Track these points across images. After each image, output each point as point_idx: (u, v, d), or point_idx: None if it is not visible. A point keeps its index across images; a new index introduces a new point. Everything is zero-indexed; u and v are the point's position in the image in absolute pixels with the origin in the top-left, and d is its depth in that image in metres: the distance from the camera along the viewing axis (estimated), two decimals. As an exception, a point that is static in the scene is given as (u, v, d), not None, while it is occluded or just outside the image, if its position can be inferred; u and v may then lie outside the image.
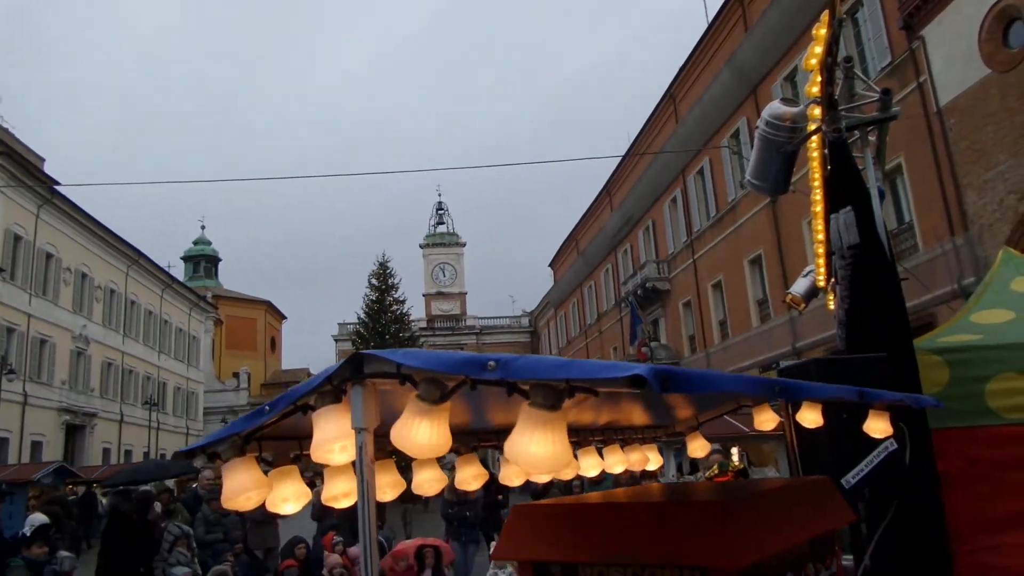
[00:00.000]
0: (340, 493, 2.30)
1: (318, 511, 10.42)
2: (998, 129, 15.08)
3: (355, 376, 1.57)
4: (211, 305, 56.56)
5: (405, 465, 2.87)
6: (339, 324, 59.98)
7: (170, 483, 12.18)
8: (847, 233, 4.01)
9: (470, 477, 2.94)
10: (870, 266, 4.14)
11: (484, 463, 10.29)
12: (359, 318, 44.64)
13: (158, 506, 8.97)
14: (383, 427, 1.68)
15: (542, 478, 10.49)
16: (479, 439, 3.13)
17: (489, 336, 63.21)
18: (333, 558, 8.91)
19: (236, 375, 58.58)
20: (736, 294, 28.33)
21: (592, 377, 1.21)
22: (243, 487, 2.00)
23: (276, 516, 10.07)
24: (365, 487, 1.59)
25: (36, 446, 33.35)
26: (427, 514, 19.92)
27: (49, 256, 34.96)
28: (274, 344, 69.46)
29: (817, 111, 4.42)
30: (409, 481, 2.63)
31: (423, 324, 57.02)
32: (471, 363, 1.35)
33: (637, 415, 3.38)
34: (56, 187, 33.54)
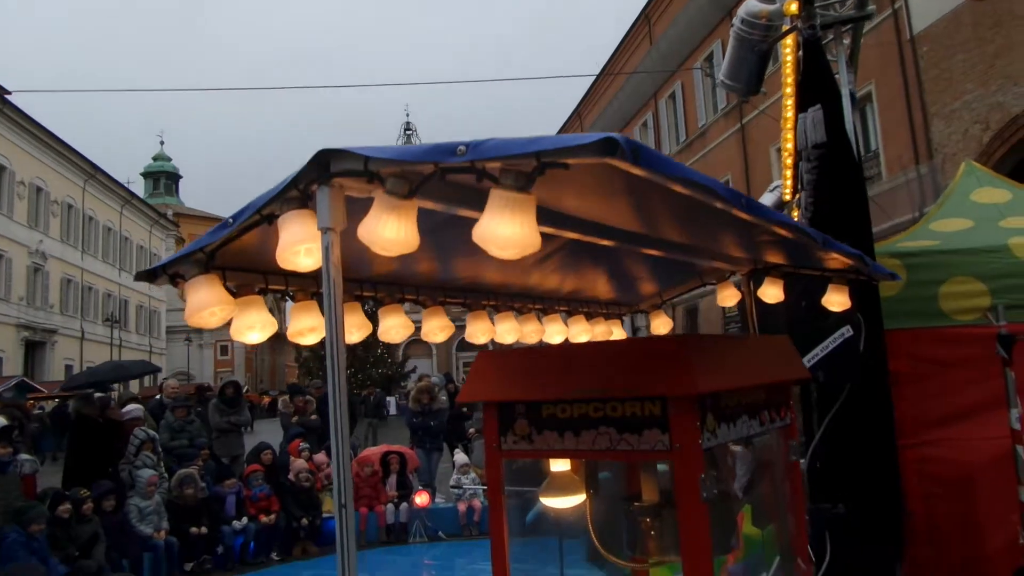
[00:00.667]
0: (306, 328, 2.29)
1: (286, 419, 10.55)
2: (968, 58, 15.11)
3: (321, 177, 1.50)
4: (172, 223, 55.47)
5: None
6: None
7: (134, 390, 12.16)
8: (814, 131, 4.02)
9: (436, 328, 3.00)
10: (836, 167, 4.17)
11: (449, 377, 10.46)
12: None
13: (134, 409, 8.96)
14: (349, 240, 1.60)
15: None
16: (446, 294, 3.18)
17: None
18: (299, 463, 9.05)
19: (199, 294, 57.91)
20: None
21: (562, 147, 1.18)
22: (206, 303, 1.94)
23: (240, 425, 10.16)
24: (332, 289, 1.52)
25: (-5, 361, 32.96)
26: (390, 429, 20.26)
27: (1, 168, 33.80)
28: (238, 264, 68.66)
29: (794, 6, 4.37)
30: (375, 328, 2.65)
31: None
32: (440, 150, 1.32)
33: (601, 286, 3.41)
34: (6, 95, 32.14)
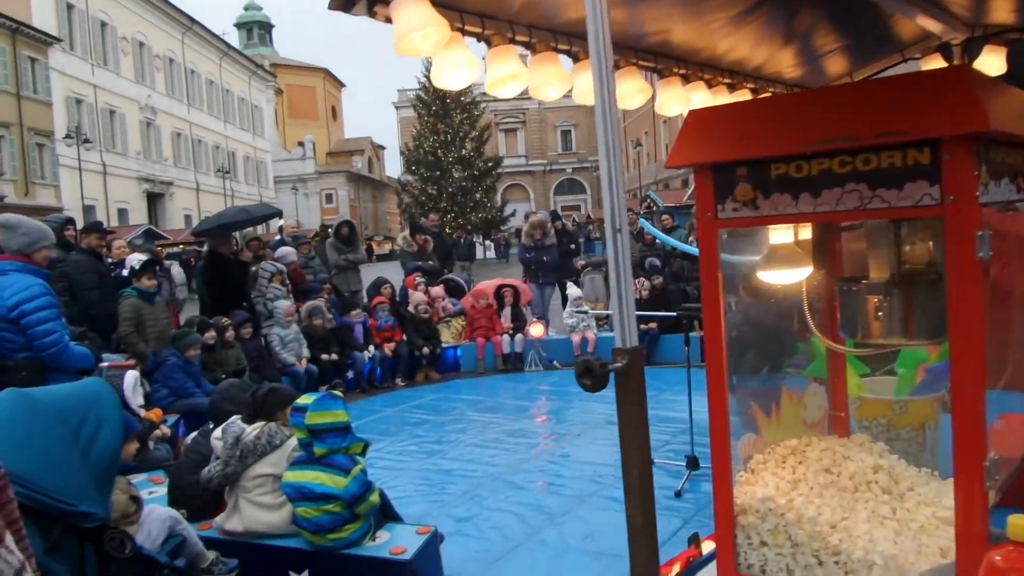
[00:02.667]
0: (507, 75, 2.17)
1: (405, 256, 10.80)
2: None
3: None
4: (269, 74, 55.85)
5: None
6: (399, 91, 58.99)
7: (260, 230, 12.68)
8: None
9: (633, 91, 2.86)
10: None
11: (556, 214, 10.30)
12: (420, 83, 43.64)
13: (288, 252, 9.41)
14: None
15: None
16: (637, 55, 2.99)
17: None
18: (418, 295, 9.33)
19: (301, 144, 59.13)
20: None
21: None
22: (415, 23, 1.83)
23: (357, 263, 10.47)
24: (602, 40, 1.28)
25: (122, 213, 35.09)
26: (483, 270, 20.67)
27: (104, 24, 34.40)
28: (335, 113, 69.19)
29: None
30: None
31: (483, 89, 55.45)
32: None
33: (787, 61, 3.02)
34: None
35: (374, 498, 3.55)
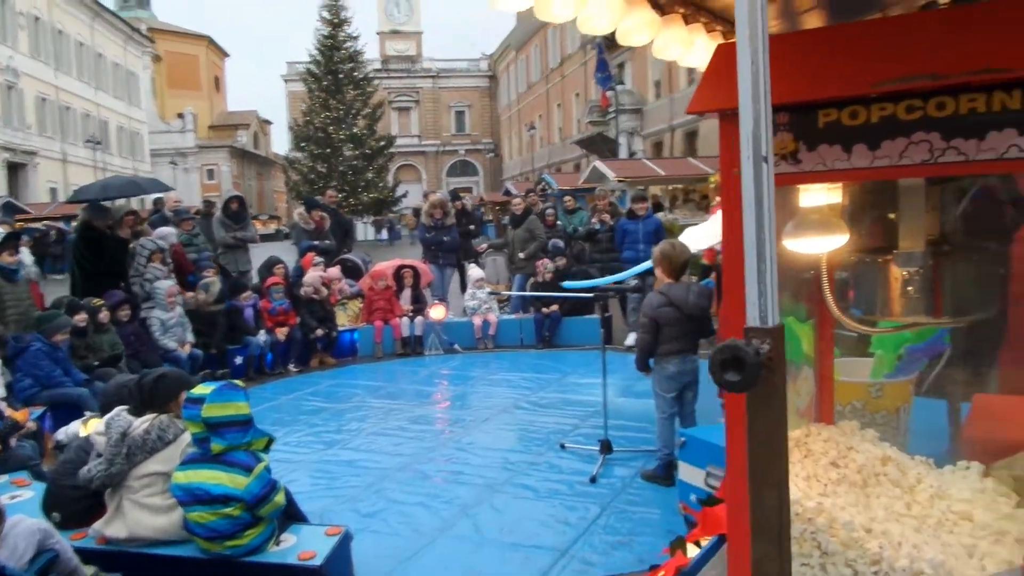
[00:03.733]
0: None
1: (300, 233, 10.25)
2: None
3: None
4: (147, 39, 52.40)
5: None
6: (288, 63, 56.65)
7: (135, 203, 11.74)
8: None
9: (643, 24, 2.49)
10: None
11: (455, 194, 10.01)
12: (311, 56, 42.03)
13: (168, 233, 8.60)
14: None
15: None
16: None
17: (446, 79, 60.72)
18: (314, 275, 8.85)
19: (181, 116, 55.91)
20: (709, 35, 27.08)
21: None
22: None
23: (246, 241, 9.84)
24: None
25: (-23, 183, 32.09)
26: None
27: (-45, -27, 31.20)
28: (218, 84, 65.83)
29: None
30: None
31: (377, 65, 54.13)
32: None
33: None
34: None
35: (279, 499, 3.22)
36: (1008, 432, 1.93)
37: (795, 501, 1.31)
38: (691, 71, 28.96)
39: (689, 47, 2.45)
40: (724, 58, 1.27)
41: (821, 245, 1.42)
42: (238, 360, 8.14)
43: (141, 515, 3.27)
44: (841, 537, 1.26)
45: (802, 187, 1.43)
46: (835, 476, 1.43)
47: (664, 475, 4.64)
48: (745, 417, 0.90)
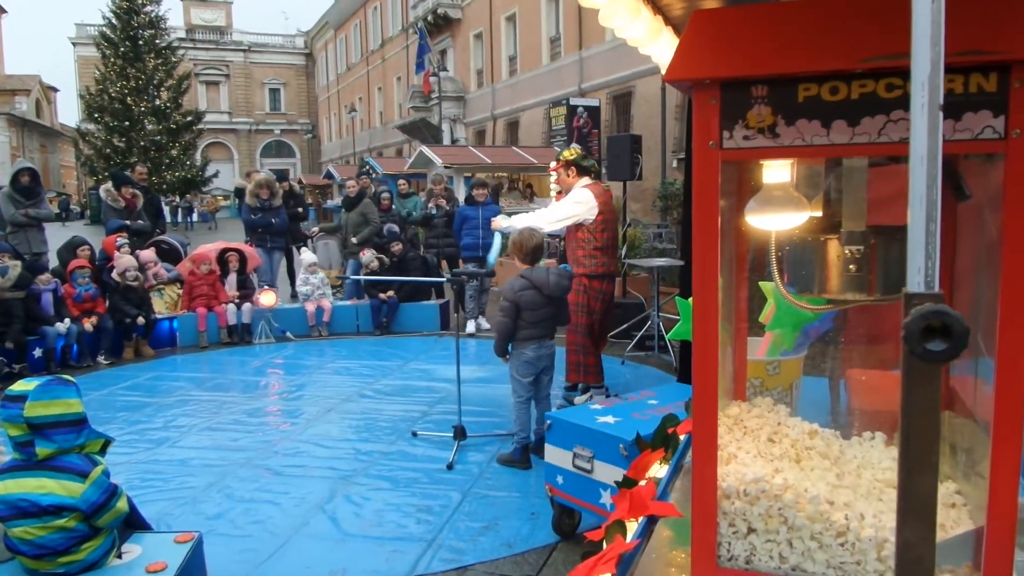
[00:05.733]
0: None
1: (108, 211, 9.27)
2: None
3: None
4: None
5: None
6: (77, 25, 51.20)
7: None
8: None
9: None
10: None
11: (283, 175, 9.55)
12: (104, 19, 38.21)
13: None
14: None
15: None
16: None
17: (259, 55, 57.65)
18: (126, 259, 8.04)
19: (-57, 77, 48.97)
20: (529, 28, 27.68)
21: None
22: None
23: (41, 220, 8.77)
24: None
25: None
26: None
27: None
28: (-10, 44, 58.18)
29: None
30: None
31: (181, 34, 50.30)
32: None
33: None
34: None
35: (121, 505, 2.86)
36: (883, 404, 2.08)
37: (760, 479, 1.32)
38: (512, 60, 29.47)
39: (635, 19, 2.37)
40: (703, 25, 1.24)
41: (784, 221, 1.43)
42: (37, 353, 7.24)
43: None
44: (808, 511, 1.28)
45: (765, 163, 1.43)
46: (777, 452, 1.46)
47: (521, 459, 4.66)
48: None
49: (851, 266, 1.39)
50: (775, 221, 1.46)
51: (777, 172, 1.44)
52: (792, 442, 1.51)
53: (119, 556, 2.89)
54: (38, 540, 2.69)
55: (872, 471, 1.46)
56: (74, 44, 51.48)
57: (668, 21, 2.50)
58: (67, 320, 7.46)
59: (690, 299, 2.53)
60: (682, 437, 2.16)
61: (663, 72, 2.57)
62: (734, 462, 1.41)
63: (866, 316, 2.16)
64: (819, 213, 1.46)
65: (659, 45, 2.42)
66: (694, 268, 1.30)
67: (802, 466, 1.45)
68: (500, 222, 5.59)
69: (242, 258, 9.06)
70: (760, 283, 2.05)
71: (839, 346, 2.17)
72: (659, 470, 2.05)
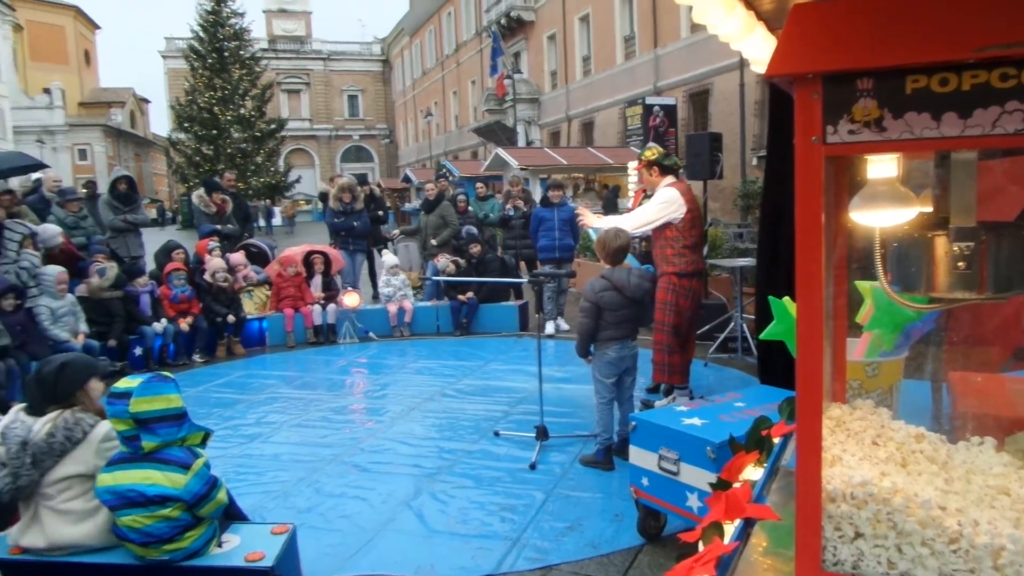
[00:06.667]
0: None
1: (200, 216, 9.68)
2: None
3: None
4: (6, 5, 48.33)
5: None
6: (167, 39, 53.66)
7: (14, 184, 10.76)
8: None
9: None
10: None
11: (364, 179, 9.84)
12: (192, 32, 39.93)
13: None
14: None
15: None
16: None
17: (337, 62, 59.14)
18: (217, 262, 8.40)
19: (47, 91, 51.98)
20: (603, 28, 27.52)
21: None
22: None
23: (138, 224, 9.22)
24: None
25: None
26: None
27: None
28: (88, 58, 61.56)
29: None
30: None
31: (264, 45, 52.07)
32: None
33: None
34: None
35: (221, 496, 2.99)
36: (991, 407, 1.99)
37: (868, 482, 1.29)
38: (586, 60, 29.37)
39: (730, 15, 2.31)
40: (804, 19, 1.22)
41: (891, 217, 1.40)
42: (137, 351, 7.62)
43: (59, 524, 2.95)
44: (918, 516, 1.24)
45: (870, 158, 1.40)
46: (883, 455, 1.42)
47: (604, 460, 4.65)
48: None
49: (960, 263, 1.34)
50: (881, 217, 1.42)
51: (883, 167, 1.40)
52: (897, 445, 1.47)
53: (219, 545, 3.02)
54: (145, 528, 2.84)
55: (982, 477, 1.40)
56: (164, 57, 53.90)
57: (760, 16, 2.46)
58: (164, 320, 7.83)
59: (784, 299, 2.49)
60: (776, 440, 2.12)
61: (754, 68, 2.54)
62: (839, 464, 1.38)
63: (970, 316, 2.08)
64: (928, 209, 1.41)
65: (752, 41, 2.38)
66: (797, 267, 1.28)
67: (908, 470, 1.40)
68: (592, 221, 5.60)
69: (327, 260, 9.32)
70: (856, 282, 2.00)
71: (941, 347, 2.09)
72: (753, 472, 2.02)
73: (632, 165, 12.16)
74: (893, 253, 1.44)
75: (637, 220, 5.37)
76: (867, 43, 1.16)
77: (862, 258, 1.56)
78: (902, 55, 1.13)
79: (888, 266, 1.47)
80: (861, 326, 2.07)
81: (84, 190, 10.54)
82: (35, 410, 3.08)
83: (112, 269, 7.53)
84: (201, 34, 39.65)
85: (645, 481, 3.61)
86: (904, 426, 1.53)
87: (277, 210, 38.88)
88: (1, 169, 8.59)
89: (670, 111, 19.09)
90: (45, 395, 3.11)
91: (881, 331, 2.01)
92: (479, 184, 11.92)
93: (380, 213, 11.98)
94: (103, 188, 9.96)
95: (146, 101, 67.97)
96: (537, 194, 14.09)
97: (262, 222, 38.25)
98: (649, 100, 19.78)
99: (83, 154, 52.52)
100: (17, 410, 3.11)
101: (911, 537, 1.25)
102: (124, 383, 2.97)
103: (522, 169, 18.06)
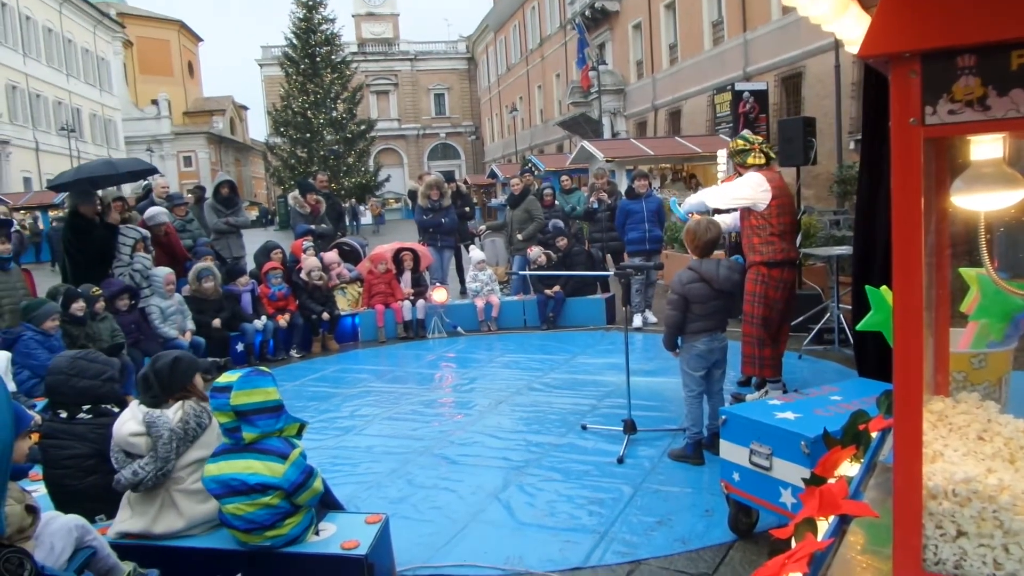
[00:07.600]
0: None
1: (296, 217, 10.04)
2: None
3: None
4: (117, 23, 51.29)
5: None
6: (263, 47, 55.79)
7: (125, 191, 11.45)
8: None
9: None
10: None
11: (450, 176, 9.84)
12: (286, 40, 41.39)
13: (158, 213, 8.37)
14: None
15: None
16: None
17: (424, 62, 60.10)
18: (312, 260, 8.68)
19: (155, 102, 54.95)
20: (690, 14, 26.92)
21: None
22: None
23: (239, 226, 9.62)
24: None
25: (-52, 174, 31.34)
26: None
27: (-82, -44, 30.25)
28: (192, 69, 64.71)
29: None
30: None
31: (353, 48, 53.43)
32: None
33: None
34: None
35: (317, 485, 3.10)
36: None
37: (971, 479, 1.22)
38: (672, 48, 28.83)
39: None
40: (896, -3, 1.16)
41: (996, 201, 1.32)
42: (239, 347, 7.97)
43: (194, 502, 3.15)
44: (1029, 516, 1.18)
45: (973, 139, 1.32)
46: (989, 451, 1.35)
47: (693, 454, 4.57)
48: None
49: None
50: (986, 201, 1.34)
51: (987, 147, 1.32)
52: (1005, 440, 1.39)
53: (317, 533, 3.14)
54: (248, 516, 2.97)
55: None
56: (260, 65, 56.04)
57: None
58: (263, 317, 8.16)
59: (882, 288, 2.38)
60: (874, 434, 2.04)
61: (848, 49, 2.43)
62: (940, 460, 1.31)
63: (1089, 304, 1.94)
64: (1038, 190, 1.33)
65: (844, 21, 2.27)
66: (894, 255, 1.22)
67: (1017, 467, 1.32)
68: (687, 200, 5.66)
69: (416, 257, 9.50)
70: (961, 269, 1.90)
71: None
72: (849, 468, 1.94)
73: (722, 153, 11.87)
74: (1000, 238, 1.35)
75: (721, 193, 5.30)
76: (968, 18, 1.10)
77: (966, 244, 1.48)
78: (1007, 29, 1.05)
79: (995, 252, 1.39)
80: (967, 316, 1.96)
81: (190, 194, 11.05)
82: (155, 402, 3.27)
83: (214, 271, 7.87)
84: (294, 41, 41.06)
85: (736, 476, 3.53)
86: (1013, 420, 1.44)
87: (364, 208, 39.89)
88: (121, 171, 9.09)
89: (761, 96, 18.51)
90: (163, 388, 3.31)
91: (988, 320, 1.90)
92: (564, 177, 11.89)
93: (467, 209, 12.10)
94: (207, 193, 10.45)
95: (244, 108, 70.91)
96: (623, 186, 13.95)
97: (349, 221, 39.37)
98: (739, 86, 19.25)
99: (188, 161, 55.26)
100: (138, 404, 3.30)
101: (1019, 537, 1.18)
102: (225, 378, 3.13)
103: (608, 161, 17.89)
